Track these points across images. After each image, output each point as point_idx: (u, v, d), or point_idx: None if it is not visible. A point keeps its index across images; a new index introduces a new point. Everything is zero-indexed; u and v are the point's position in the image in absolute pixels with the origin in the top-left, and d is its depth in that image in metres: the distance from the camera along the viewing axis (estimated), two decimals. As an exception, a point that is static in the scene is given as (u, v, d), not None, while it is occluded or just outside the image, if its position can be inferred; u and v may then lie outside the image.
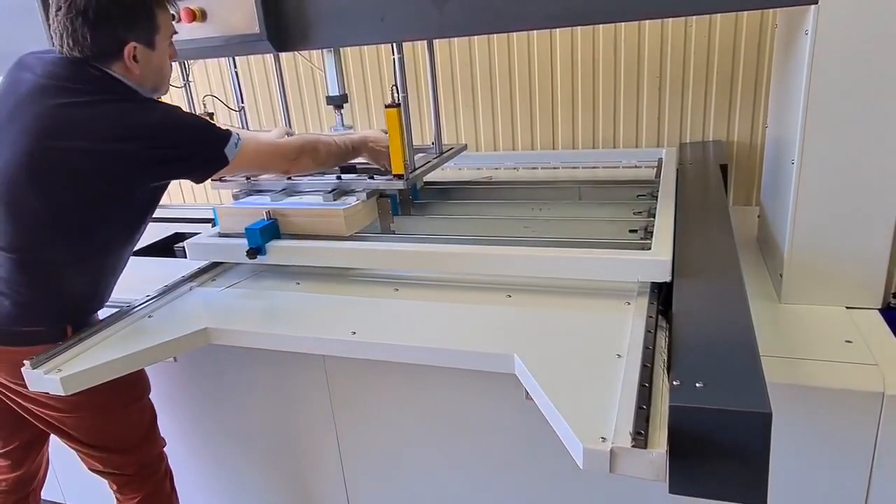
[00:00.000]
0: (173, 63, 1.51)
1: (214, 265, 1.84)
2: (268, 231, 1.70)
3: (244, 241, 1.69)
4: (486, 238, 1.62)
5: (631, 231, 1.63)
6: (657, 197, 1.77)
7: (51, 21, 1.34)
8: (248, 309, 1.59)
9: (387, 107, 1.65)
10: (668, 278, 1.37)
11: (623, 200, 1.92)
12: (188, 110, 2.00)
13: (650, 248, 1.43)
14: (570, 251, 1.48)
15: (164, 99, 1.50)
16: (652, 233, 1.52)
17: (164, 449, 1.70)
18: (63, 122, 1.32)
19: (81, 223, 1.39)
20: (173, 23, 1.47)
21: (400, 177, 1.71)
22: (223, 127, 1.49)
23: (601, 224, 1.69)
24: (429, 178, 1.97)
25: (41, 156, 1.32)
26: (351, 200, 1.75)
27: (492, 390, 1.48)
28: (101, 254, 1.46)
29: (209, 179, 1.52)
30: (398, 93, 1.67)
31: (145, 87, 1.43)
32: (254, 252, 1.67)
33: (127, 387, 1.50)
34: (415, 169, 1.78)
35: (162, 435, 1.69)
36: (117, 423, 1.56)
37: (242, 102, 1.95)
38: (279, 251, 1.70)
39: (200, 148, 1.43)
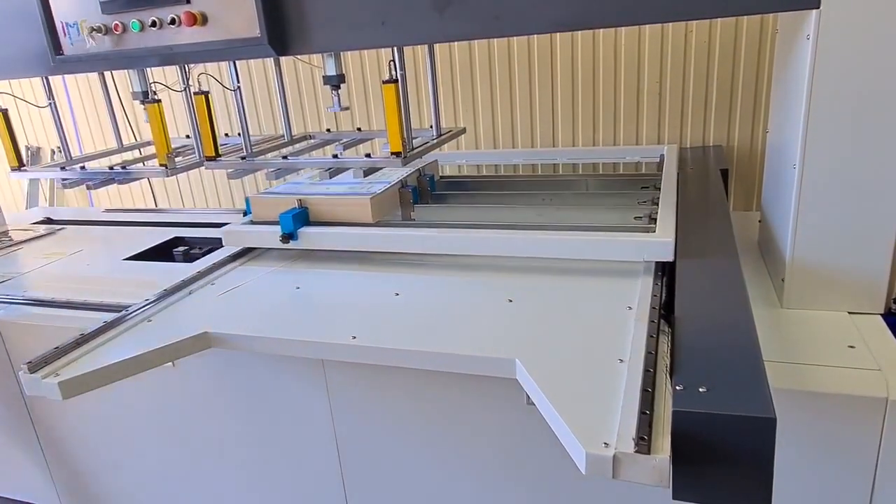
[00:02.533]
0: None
1: (213, 268, 1.84)
2: (300, 217, 1.81)
3: (276, 228, 1.80)
4: (501, 224, 1.72)
5: (636, 218, 1.73)
6: (660, 188, 1.85)
7: None
8: (248, 313, 1.59)
9: (384, 83, 1.64)
10: (671, 258, 1.46)
11: (628, 191, 2.05)
12: (187, 113, 2.00)
13: (654, 231, 1.54)
14: (581, 234, 1.59)
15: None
16: (656, 220, 1.61)
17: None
18: None
19: None
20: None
21: (398, 154, 1.70)
22: None
23: (608, 212, 1.82)
24: (445, 172, 2.15)
25: None
26: (376, 188, 1.85)
27: (493, 395, 1.48)
28: None
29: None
30: (396, 69, 1.66)
31: None
32: (287, 237, 1.78)
33: None
34: (413, 148, 1.78)
35: (160, 441, 1.68)
36: None
37: (238, 82, 1.92)
38: (310, 236, 1.80)
39: None
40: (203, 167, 1.99)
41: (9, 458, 2.19)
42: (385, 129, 1.72)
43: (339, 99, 1.86)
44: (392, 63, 1.66)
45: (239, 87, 1.89)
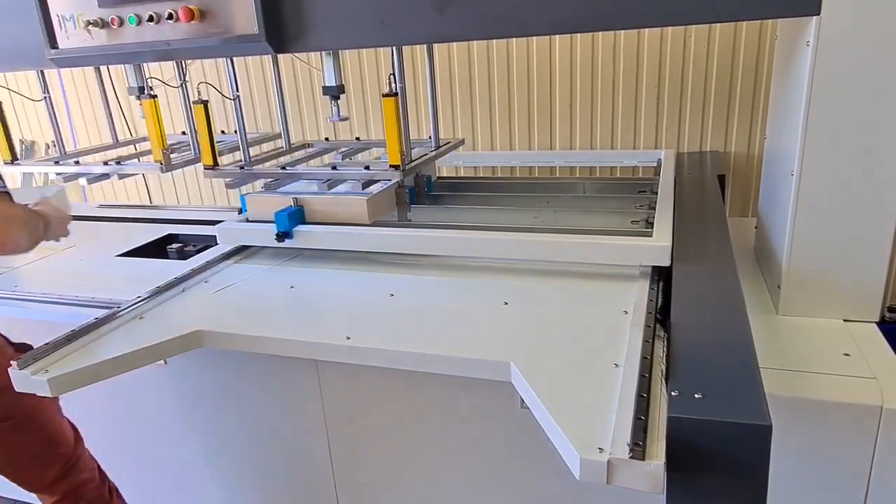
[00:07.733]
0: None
1: (207, 266, 1.83)
2: (295, 216, 1.79)
3: (271, 227, 1.77)
4: (498, 226, 1.71)
5: (633, 222, 1.74)
6: (657, 192, 1.85)
7: None
8: (241, 312, 1.57)
9: (384, 96, 1.64)
10: (667, 263, 1.45)
11: (625, 195, 2.06)
12: (183, 110, 1.98)
13: (651, 236, 1.53)
14: (578, 237, 1.58)
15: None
16: (653, 223, 1.61)
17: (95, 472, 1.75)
18: None
19: None
20: None
21: (396, 167, 1.70)
22: None
23: (605, 215, 1.82)
24: (442, 173, 2.16)
25: None
26: (373, 189, 1.83)
27: (487, 398, 1.47)
28: None
29: None
30: (395, 82, 1.66)
31: None
32: (282, 235, 1.76)
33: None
34: (411, 161, 1.78)
35: (150, 439, 1.67)
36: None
37: (237, 91, 1.91)
38: (305, 235, 1.78)
39: None
40: (199, 164, 1.98)
41: None
42: (383, 138, 1.72)
43: (338, 109, 1.87)
44: (392, 76, 1.67)
45: (238, 97, 1.89)
